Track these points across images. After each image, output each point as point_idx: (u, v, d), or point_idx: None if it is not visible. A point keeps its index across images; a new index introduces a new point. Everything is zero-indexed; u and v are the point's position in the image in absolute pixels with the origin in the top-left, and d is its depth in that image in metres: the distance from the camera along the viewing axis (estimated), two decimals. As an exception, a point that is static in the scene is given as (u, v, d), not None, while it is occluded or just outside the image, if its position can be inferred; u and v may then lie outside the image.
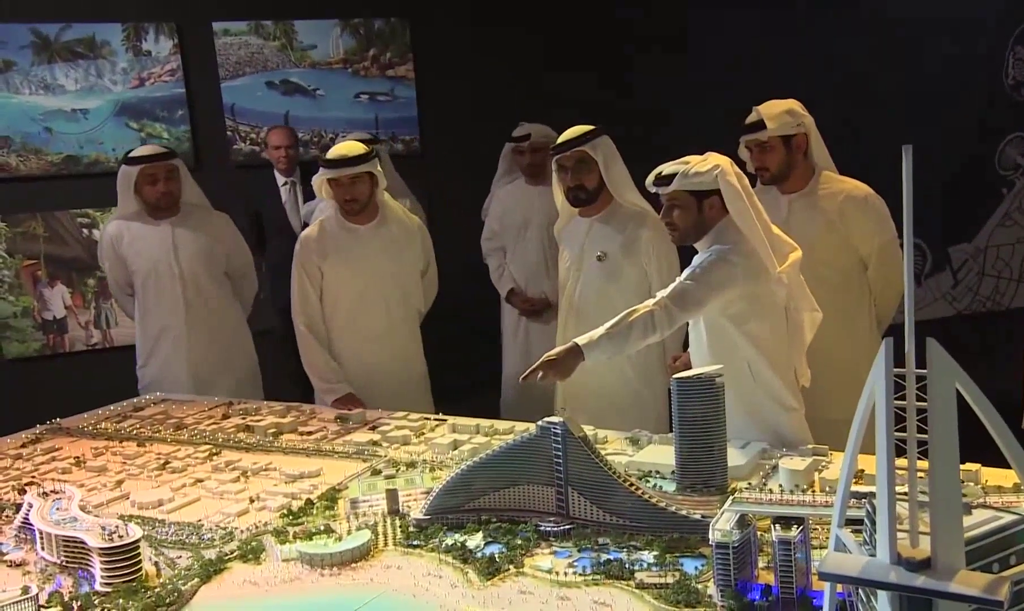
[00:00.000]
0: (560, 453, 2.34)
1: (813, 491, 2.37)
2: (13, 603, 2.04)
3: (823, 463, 2.64)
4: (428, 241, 4.13)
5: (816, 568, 1.78)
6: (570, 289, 3.70)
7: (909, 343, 1.26)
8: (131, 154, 4.16)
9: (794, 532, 1.89)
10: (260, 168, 5.58)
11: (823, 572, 1.31)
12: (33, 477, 3.01)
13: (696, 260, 2.85)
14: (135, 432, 3.45)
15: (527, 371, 2.76)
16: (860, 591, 1.38)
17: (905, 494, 1.24)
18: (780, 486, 2.44)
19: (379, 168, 3.85)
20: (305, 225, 4.95)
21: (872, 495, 1.28)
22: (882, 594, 1.25)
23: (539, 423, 2.39)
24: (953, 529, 1.21)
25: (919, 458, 1.23)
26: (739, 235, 2.78)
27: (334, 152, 3.81)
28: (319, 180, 3.81)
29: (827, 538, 2.05)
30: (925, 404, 1.22)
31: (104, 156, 5.55)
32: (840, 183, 3.52)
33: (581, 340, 2.74)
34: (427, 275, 4.15)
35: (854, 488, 1.94)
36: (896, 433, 1.24)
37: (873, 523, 1.28)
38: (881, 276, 3.48)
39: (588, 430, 2.61)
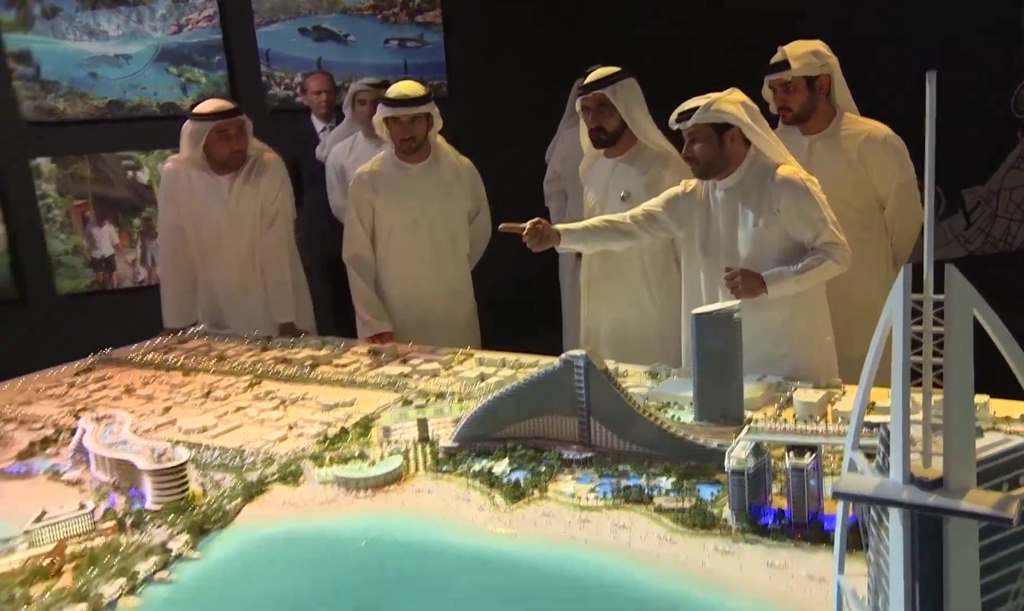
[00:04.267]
0: (583, 385, 2.40)
1: (826, 421, 2.44)
2: (72, 518, 2.18)
3: (836, 395, 2.69)
4: (479, 185, 4.14)
5: (830, 491, 1.82)
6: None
7: (928, 268, 1.26)
8: (197, 109, 4.03)
9: (807, 459, 1.94)
10: (294, 113, 5.64)
11: (837, 491, 1.31)
12: (86, 403, 3.15)
13: (788, 204, 2.87)
14: (180, 363, 3.59)
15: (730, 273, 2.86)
16: (872, 512, 1.39)
17: (919, 420, 1.27)
18: (794, 416, 2.51)
19: (436, 109, 3.91)
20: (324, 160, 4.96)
21: (885, 424, 1.31)
22: (894, 513, 1.25)
23: (562, 356, 2.45)
24: (965, 450, 1.21)
25: (934, 385, 1.26)
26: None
27: (394, 91, 3.87)
28: (378, 118, 3.88)
29: (839, 467, 2.11)
30: (941, 330, 1.25)
31: (146, 101, 5.65)
32: (861, 124, 3.52)
33: (766, 273, 2.84)
34: (478, 219, 4.17)
35: (867, 419, 1.98)
36: (912, 358, 1.27)
37: (886, 448, 1.29)
38: (899, 215, 3.50)
39: (609, 364, 2.69)
